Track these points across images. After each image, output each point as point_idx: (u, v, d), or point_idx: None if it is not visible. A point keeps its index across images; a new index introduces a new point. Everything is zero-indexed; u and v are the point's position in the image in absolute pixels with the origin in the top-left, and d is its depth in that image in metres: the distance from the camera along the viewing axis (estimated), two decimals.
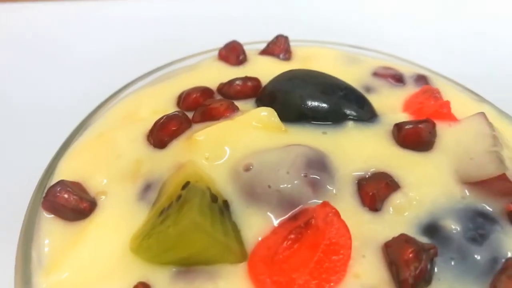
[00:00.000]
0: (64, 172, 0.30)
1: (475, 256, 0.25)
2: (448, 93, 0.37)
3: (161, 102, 0.34)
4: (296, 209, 0.26)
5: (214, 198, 0.26)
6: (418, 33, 0.64)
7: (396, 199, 0.27)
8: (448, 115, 0.33)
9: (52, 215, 0.29)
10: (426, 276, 0.24)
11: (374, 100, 0.35)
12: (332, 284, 0.24)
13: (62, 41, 0.61)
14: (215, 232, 0.24)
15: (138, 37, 0.61)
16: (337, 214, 0.25)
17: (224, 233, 0.25)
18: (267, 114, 0.31)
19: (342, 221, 0.25)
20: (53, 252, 0.27)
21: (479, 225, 0.26)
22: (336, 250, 0.24)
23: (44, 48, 0.60)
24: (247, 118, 0.31)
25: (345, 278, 0.24)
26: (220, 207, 0.26)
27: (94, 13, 0.67)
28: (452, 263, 0.25)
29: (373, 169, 0.29)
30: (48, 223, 0.29)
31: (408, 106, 0.35)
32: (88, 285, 0.25)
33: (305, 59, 0.39)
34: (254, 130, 0.30)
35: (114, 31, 0.63)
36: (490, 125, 0.31)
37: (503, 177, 0.27)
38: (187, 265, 0.25)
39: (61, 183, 0.29)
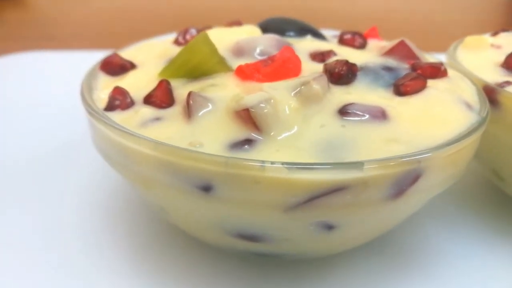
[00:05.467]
0: None
1: (385, 77, 0.38)
2: None
3: None
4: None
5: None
6: None
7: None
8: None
9: (105, 73, 0.43)
10: (348, 75, 0.37)
11: None
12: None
13: None
14: (215, 48, 0.38)
15: None
16: (292, 50, 0.39)
17: (221, 57, 0.39)
18: (251, 28, 0.47)
19: (296, 56, 0.39)
20: (105, 84, 0.41)
21: (389, 66, 0.40)
22: (289, 67, 0.38)
23: None
24: (240, 28, 0.47)
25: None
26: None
27: None
28: (371, 76, 0.38)
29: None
30: (102, 75, 0.43)
31: None
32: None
33: None
34: (243, 32, 0.46)
35: None
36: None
37: (403, 43, 0.41)
38: (194, 77, 0.38)
39: (114, 53, 0.44)
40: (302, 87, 0.33)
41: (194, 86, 0.36)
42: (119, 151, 0.33)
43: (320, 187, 0.29)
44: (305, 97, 0.33)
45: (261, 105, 0.31)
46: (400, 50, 0.42)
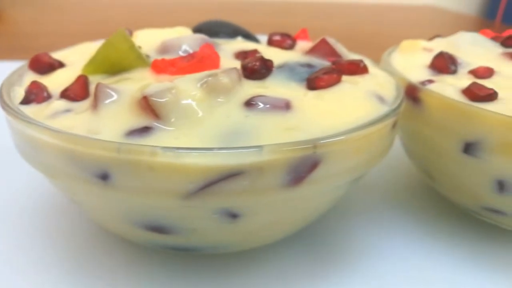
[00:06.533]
0: None
1: (301, 73, 0.39)
2: None
3: None
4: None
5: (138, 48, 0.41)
6: None
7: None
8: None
9: (33, 71, 0.43)
10: (262, 70, 0.37)
11: None
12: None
13: None
14: (133, 45, 0.39)
15: None
16: (211, 47, 0.40)
17: (140, 52, 0.39)
18: (182, 29, 0.48)
19: (215, 52, 0.40)
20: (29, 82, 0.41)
21: (309, 63, 0.41)
22: (206, 63, 0.38)
23: None
24: (171, 29, 0.47)
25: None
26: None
27: None
28: (287, 72, 0.39)
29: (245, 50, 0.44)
30: (30, 73, 0.43)
31: None
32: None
33: None
34: (174, 33, 0.46)
35: None
36: None
37: (324, 41, 0.42)
38: (114, 72, 0.39)
39: (44, 53, 0.44)
40: (209, 78, 0.34)
41: (111, 80, 0.37)
42: (26, 142, 0.33)
43: (215, 172, 0.29)
44: (212, 88, 0.34)
45: (161, 93, 0.31)
46: (322, 48, 0.42)
